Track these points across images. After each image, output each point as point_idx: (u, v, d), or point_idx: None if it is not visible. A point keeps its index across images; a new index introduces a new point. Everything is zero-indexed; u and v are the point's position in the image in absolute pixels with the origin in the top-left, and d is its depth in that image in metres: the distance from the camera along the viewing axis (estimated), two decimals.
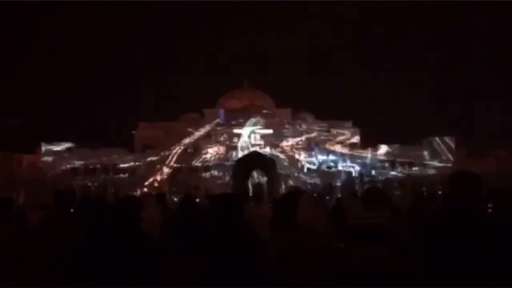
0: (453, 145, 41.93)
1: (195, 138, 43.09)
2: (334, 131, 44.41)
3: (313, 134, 44.09)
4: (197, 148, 42.74)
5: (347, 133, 44.68)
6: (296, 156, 43.10)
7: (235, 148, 42.19)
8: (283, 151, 42.90)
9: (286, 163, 40.93)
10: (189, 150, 42.58)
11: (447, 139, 42.44)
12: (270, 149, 41.91)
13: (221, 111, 44.05)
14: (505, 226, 2.65)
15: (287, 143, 42.96)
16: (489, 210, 4.18)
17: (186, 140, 43.08)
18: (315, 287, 3.03)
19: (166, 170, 41.18)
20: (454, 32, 76.57)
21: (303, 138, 43.67)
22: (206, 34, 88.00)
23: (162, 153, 41.99)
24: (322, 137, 44.14)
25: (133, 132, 45.39)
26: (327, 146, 43.85)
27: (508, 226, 2.65)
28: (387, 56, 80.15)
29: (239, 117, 42.29)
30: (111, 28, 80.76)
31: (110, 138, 51.16)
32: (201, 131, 43.14)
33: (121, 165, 41.40)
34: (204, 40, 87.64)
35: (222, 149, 42.38)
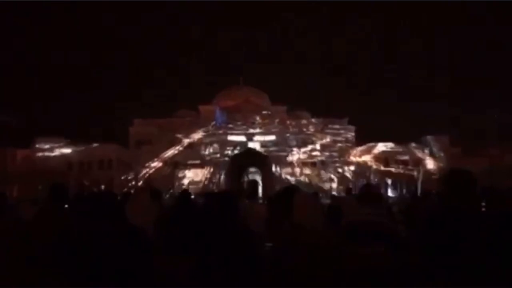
0: (447, 144, 42.04)
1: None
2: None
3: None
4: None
5: (347, 133, 39.69)
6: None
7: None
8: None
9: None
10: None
11: (441, 138, 42.52)
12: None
13: (217, 111, 42.43)
14: (500, 225, 2.66)
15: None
16: (483, 209, 4.20)
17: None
18: (313, 287, 3.03)
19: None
20: (454, 32, 76.76)
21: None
22: (202, 32, 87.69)
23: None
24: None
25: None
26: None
27: (503, 225, 2.66)
28: (385, 55, 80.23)
29: (235, 115, 41.79)
30: (108, 26, 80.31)
31: (105, 134, 51.00)
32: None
33: (116, 161, 41.22)
34: (200, 38, 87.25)
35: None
